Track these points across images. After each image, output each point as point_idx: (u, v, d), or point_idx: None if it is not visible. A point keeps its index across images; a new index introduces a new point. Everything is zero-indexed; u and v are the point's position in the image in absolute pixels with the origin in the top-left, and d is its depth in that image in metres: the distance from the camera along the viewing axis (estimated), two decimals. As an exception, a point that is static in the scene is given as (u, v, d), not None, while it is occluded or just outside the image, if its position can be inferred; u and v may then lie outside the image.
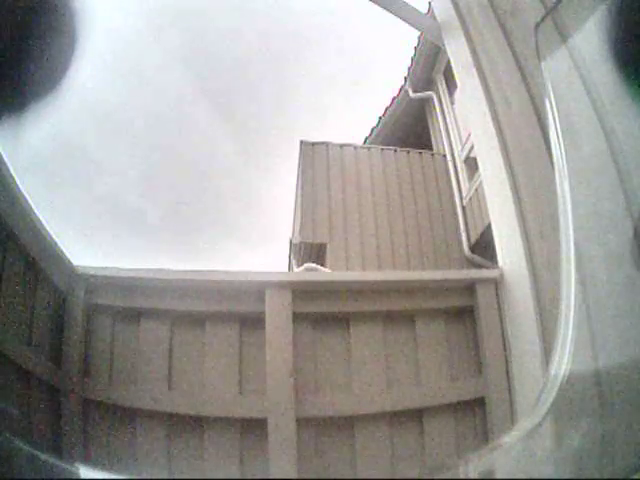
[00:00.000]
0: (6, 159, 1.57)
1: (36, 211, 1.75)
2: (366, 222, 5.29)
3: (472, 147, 4.94)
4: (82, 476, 1.25)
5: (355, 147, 6.00)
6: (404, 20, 2.88)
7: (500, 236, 2.18)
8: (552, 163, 1.34)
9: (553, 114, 1.32)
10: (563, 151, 1.28)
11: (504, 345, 1.93)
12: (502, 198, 2.10)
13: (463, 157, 5.57)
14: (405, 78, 6.34)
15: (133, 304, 1.95)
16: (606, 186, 1.22)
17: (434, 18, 2.89)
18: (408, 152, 5.91)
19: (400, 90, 6.43)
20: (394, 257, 5.12)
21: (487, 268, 3.27)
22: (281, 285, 1.95)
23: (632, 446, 0.92)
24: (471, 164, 5.30)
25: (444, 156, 5.84)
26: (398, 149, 5.91)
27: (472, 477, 1.20)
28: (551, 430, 1.16)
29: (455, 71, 2.68)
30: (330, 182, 5.50)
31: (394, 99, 6.48)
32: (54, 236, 1.84)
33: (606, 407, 1.07)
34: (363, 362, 1.92)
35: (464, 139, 5.55)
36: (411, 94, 6.27)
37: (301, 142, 5.69)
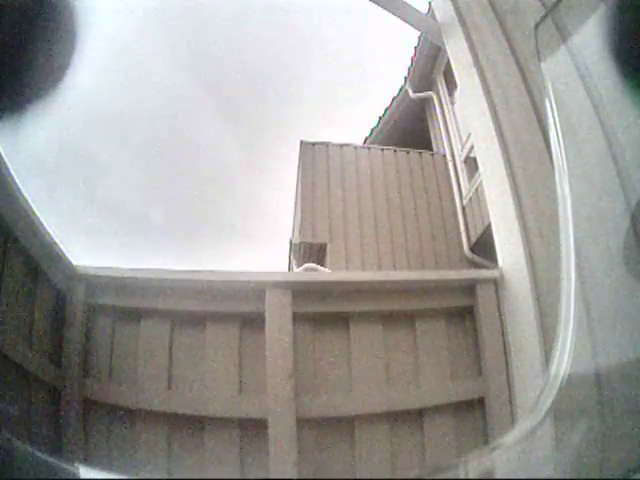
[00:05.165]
0: (6, 159, 1.57)
1: (36, 211, 1.75)
2: (366, 222, 5.29)
3: (472, 147, 4.94)
4: (82, 476, 1.25)
5: (355, 147, 5.99)
6: (404, 20, 2.87)
7: (500, 236, 2.18)
8: (552, 163, 1.34)
9: (553, 114, 1.32)
10: (563, 151, 1.28)
11: (504, 345, 1.93)
12: (502, 198, 2.10)
13: (463, 157, 5.57)
14: (405, 78, 6.34)
15: (133, 304, 1.95)
16: (606, 186, 1.22)
17: (434, 18, 2.88)
18: (408, 152, 5.91)
19: (400, 90, 6.43)
20: (394, 257, 5.12)
21: (487, 268, 3.26)
22: (281, 285, 1.95)
23: (632, 446, 0.92)
24: (471, 164, 5.30)
25: (444, 156, 5.84)
26: (398, 149, 5.91)
27: (472, 477, 1.20)
28: (551, 430, 1.16)
29: (455, 71, 2.68)
30: (330, 182, 5.50)
31: (394, 99, 6.48)
32: (54, 236, 1.85)
33: (606, 407, 1.06)
34: (363, 362, 1.92)
35: (464, 139, 5.55)
36: (411, 94, 6.27)
37: (301, 142, 5.68)
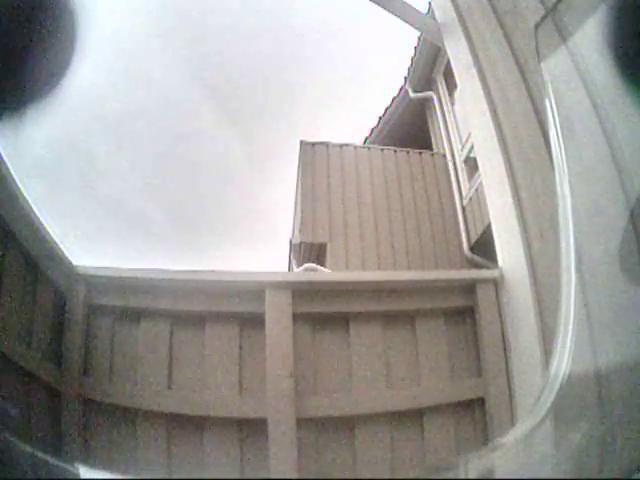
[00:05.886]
0: (6, 159, 1.57)
1: (36, 211, 1.75)
2: (366, 222, 5.29)
3: (472, 147, 4.94)
4: (82, 476, 1.25)
5: (355, 147, 5.99)
6: (404, 20, 2.88)
7: (500, 236, 2.18)
8: (552, 163, 1.34)
9: (553, 114, 1.32)
10: (563, 151, 1.28)
11: (504, 345, 1.93)
12: (502, 198, 2.10)
13: (463, 157, 5.57)
14: (405, 78, 6.33)
15: (133, 304, 1.95)
16: (606, 186, 1.22)
17: (434, 18, 2.89)
18: (408, 152, 5.91)
19: (400, 90, 6.43)
20: (394, 257, 5.12)
21: (487, 268, 3.26)
22: (281, 285, 1.95)
23: (632, 446, 0.92)
24: (471, 164, 5.30)
25: (444, 156, 5.84)
26: (398, 149, 5.91)
27: (472, 477, 1.20)
28: (551, 430, 1.16)
29: (455, 71, 2.68)
30: (330, 182, 5.50)
31: (394, 99, 6.48)
32: (54, 236, 1.84)
33: (606, 407, 1.07)
34: (363, 362, 1.92)
35: (464, 139, 5.55)
36: (411, 94, 6.27)
37: (301, 142, 5.68)
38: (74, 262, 1.93)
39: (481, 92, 2.26)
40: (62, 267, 1.89)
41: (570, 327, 1.17)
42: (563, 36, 1.39)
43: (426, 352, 1.96)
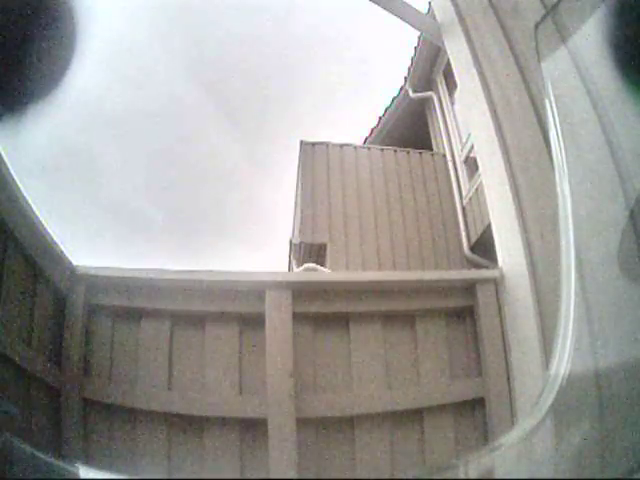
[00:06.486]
0: (6, 159, 1.57)
1: (36, 211, 1.75)
2: (366, 222, 5.29)
3: (472, 147, 4.94)
4: (82, 476, 1.25)
5: (355, 147, 5.99)
6: (404, 20, 2.88)
7: (500, 236, 2.18)
8: (552, 163, 1.34)
9: (553, 114, 1.32)
10: (563, 151, 1.28)
11: (504, 345, 1.93)
12: (502, 198, 2.10)
13: (463, 157, 5.57)
14: (405, 78, 6.33)
15: (133, 304, 1.95)
16: (606, 186, 1.22)
17: (434, 18, 2.89)
18: (408, 152, 5.91)
19: (400, 90, 6.43)
20: (394, 257, 5.12)
21: (487, 268, 3.26)
22: (281, 285, 1.95)
23: (632, 446, 0.92)
24: (471, 164, 5.30)
25: (444, 156, 5.84)
26: (398, 149, 5.91)
27: (472, 477, 1.20)
28: (551, 430, 1.16)
29: (455, 71, 2.68)
30: (330, 182, 5.50)
31: (394, 99, 6.48)
32: (54, 236, 1.85)
33: (606, 407, 1.07)
34: (363, 362, 1.92)
35: (464, 139, 5.55)
36: (411, 94, 6.27)
37: (301, 142, 5.68)
38: (74, 262, 1.93)
39: (481, 92, 2.26)
40: (62, 267, 1.89)
41: (570, 327, 1.17)
42: (563, 36, 1.39)
43: (426, 352, 1.96)
